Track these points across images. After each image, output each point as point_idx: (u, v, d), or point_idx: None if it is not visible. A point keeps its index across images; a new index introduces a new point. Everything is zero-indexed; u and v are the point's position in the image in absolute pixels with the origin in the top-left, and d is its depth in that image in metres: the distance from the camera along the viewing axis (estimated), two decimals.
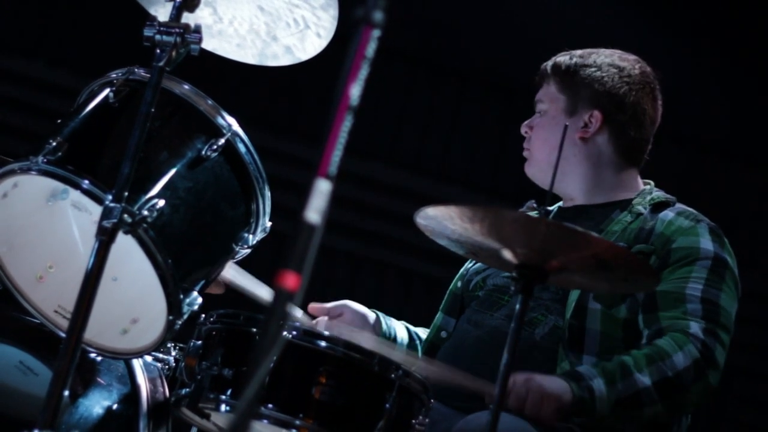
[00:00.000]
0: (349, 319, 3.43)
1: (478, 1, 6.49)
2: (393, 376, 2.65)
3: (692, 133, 6.46)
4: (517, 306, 2.63)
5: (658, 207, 3.35)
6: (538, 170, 3.48)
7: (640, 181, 3.49)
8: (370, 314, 3.51)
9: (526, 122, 3.51)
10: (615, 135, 3.42)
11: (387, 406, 2.63)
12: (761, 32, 6.18)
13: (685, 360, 3.04)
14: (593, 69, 3.43)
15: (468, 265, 3.59)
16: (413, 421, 2.71)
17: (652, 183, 3.50)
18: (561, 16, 6.15)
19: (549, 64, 3.50)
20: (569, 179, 3.42)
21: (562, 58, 3.49)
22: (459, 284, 3.54)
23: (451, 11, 6.57)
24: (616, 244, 3.10)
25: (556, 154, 3.34)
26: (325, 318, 3.40)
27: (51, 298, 2.89)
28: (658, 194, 3.42)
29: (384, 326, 3.51)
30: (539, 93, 3.51)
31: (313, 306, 3.42)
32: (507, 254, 2.65)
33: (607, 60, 3.46)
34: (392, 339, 3.53)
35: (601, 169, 3.43)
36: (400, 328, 3.57)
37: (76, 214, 2.88)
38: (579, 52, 3.49)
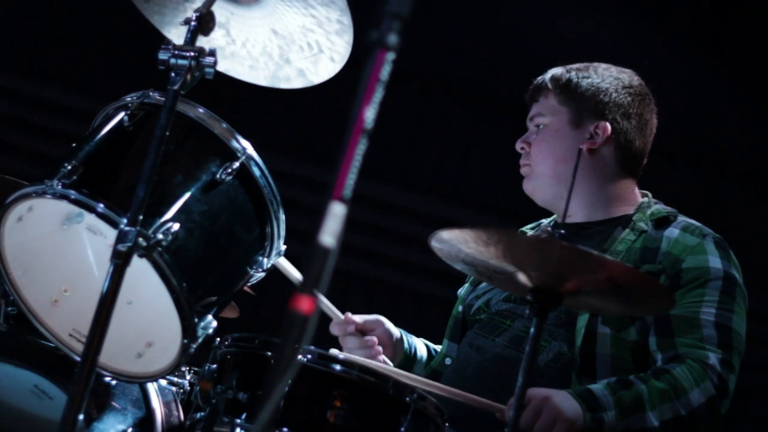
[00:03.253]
0: (379, 334, 3.43)
1: (492, 24, 6.50)
2: (408, 399, 2.63)
3: (708, 156, 6.45)
4: (532, 329, 2.62)
5: (660, 223, 3.34)
6: (542, 184, 3.44)
7: (637, 192, 3.47)
8: (396, 331, 3.52)
9: (521, 139, 3.49)
10: (621, 146, 3.41)
11: (402, 429, 2.62)
12: None
13: (701, 397, 3.04)
14: (597, 80, 3.43)
15: (468, 287, 3.59)
16: None
17: (649, 194, 3.48)
18: (574, 39, 6.15)
19: (546, 77, 3.49)
20: (572, 194, 3.29)
21: (560, 71, 3.48)
22: (460, 308, 3.55)
23: (464, 34, 6.58)
24: (631, 267, 3.08)
25: (562, 167, 3.36)
26: (352, 330, 3.40)
27: (66, 321, 2.88)
28: (659, 208, 3.40)
29: (406, 344, 3.53)
30: (535, 108, 3.49)
31: (349, 316, 3.42)
32: (522, 277, 2.64)
33: (606, 72, 3.46)
34: (413, 356, 3.54)
35: (605, 182, 3.42)
36: (420, 346, 3.60)
37: (91, 238, 2.88)
38: (575, 65, 3.49)
